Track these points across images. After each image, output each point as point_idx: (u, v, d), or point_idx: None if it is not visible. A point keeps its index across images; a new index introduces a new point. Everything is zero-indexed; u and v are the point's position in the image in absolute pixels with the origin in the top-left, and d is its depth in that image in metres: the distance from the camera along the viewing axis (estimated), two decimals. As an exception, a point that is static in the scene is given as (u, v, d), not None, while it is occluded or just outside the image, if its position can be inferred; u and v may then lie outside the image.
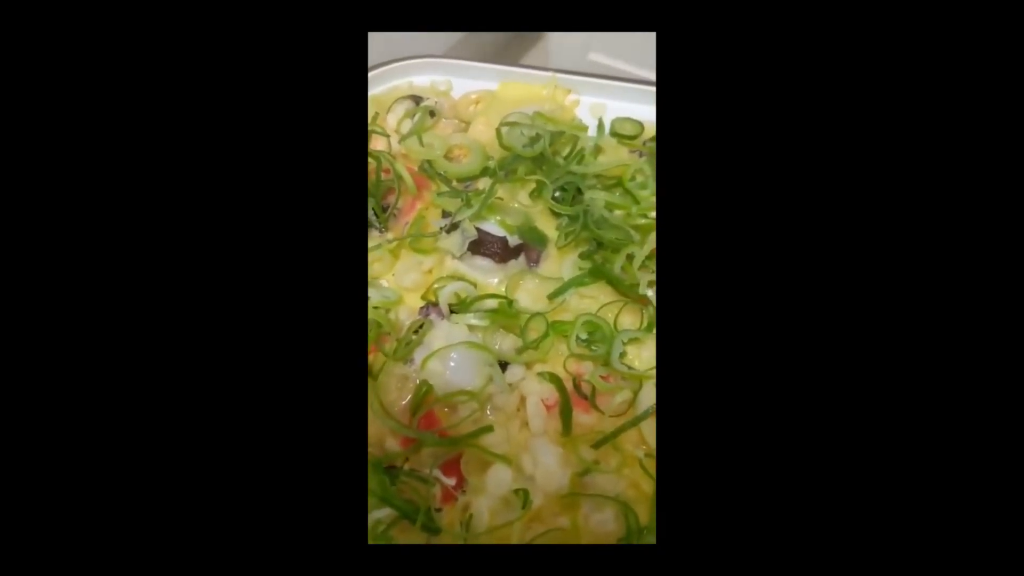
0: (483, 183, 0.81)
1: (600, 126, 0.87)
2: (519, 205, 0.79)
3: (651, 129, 0.86)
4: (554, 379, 0.65)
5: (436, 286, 0.72)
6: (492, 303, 0.70)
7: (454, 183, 0.82)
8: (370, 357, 0.67)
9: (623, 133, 0.85)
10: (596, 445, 0.61)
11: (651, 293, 0.68)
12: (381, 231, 0.78)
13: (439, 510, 0.60)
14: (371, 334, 0.67)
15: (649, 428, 0.62)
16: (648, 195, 0.77)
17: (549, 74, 0.91)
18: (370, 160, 0.79)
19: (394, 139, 0.85)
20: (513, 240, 0.74)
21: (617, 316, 0.69)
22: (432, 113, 0.88)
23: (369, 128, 0.84)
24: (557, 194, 0.78)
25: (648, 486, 0.59)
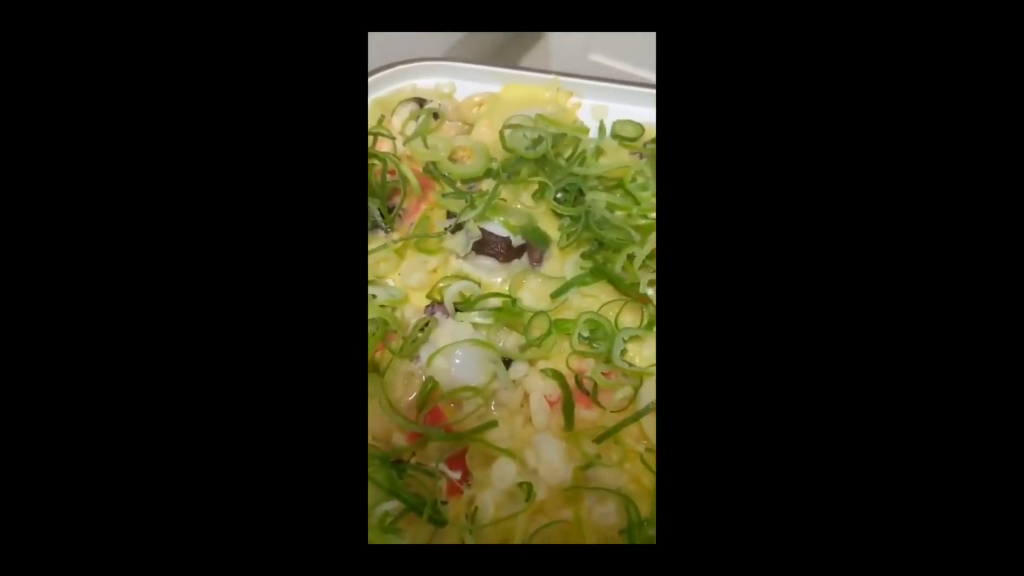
0: (486, 184, 0.81)
1: (601, 128, 0.88)
2: (522, 206, 0.80)
3: (652, 131, 0.86)
4: (557, 376, 0.66)
5: (441, 285, 0.72)
6: (496, 302, 0.70)
7: (458, 184, 0.82)
8: (377, 355, 0.68)
9: (624, 135, 0.86)
10: (598, 440, 0.62)
11: (651, 292, 0.69)
12: (387, 231, 0.78)
13: (445, 503, 0.61)
14: (378, 332, 0.67)
15: (650, 424, 0.62)
16: (648, 196, 0.78)
17: (551, 77, 0.91)
18: (376, 162, 0.79)
19: (399, 141, 0.86)
20: (516, 240, 0.75)
21: (618, 314, 0.69)
22: (436, 115, 0.88)
23: (375, 130, 0.85)
24: (559, 195, 0.79)
25: (649, 480, 0.60)
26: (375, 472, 0.59)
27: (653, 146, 0.84)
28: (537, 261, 0.76)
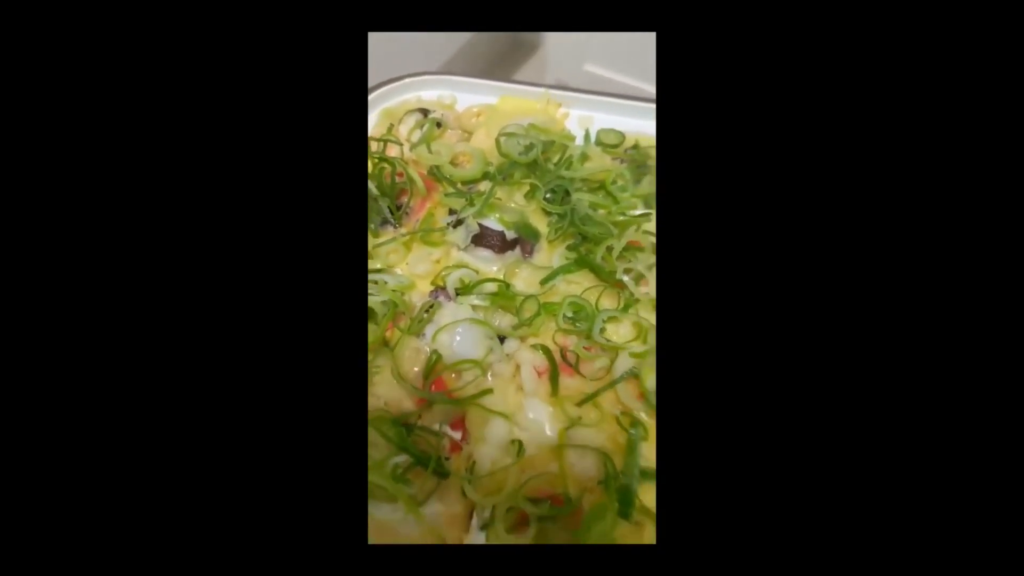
0: (484, 185, 0.86)
1: (587, 136, 0.93)
2: (515, 205, 0.84)
3: (632, 138, 0.91)
4: (544, 350, 0.70)
5: (444, 273, 0.77)
6: (492, 287, 0.74)
7: (459, 185, 0.86)
8: (388, 333, 0.73)
9: (607, 142, 0.91)
10: (580, 404, 0.66)
11: (627, 279, 0.74)
12: (395, 227, 0.83)
13: (447, 458, 0.65)
14: (389, 313, 0.73)
15: (624, 390, 0.67)
16: (627, 196, 0.83)
17: (542, 90, 0.97)
18: (385, 165, 0.84)
19: (406, 147, 0.90)
20: (510, 234, 0.80)
21: (598, 298, 0.73)
22: (439, 124, 0.93)
23: (384, 138, 0.90)
24: (548, 195, 0.83)
25: (622, 438, 0.65)
26: (387, 430, 0.64)
27: (633, 152, 0.89)
28: (528, 252, 0.80)
